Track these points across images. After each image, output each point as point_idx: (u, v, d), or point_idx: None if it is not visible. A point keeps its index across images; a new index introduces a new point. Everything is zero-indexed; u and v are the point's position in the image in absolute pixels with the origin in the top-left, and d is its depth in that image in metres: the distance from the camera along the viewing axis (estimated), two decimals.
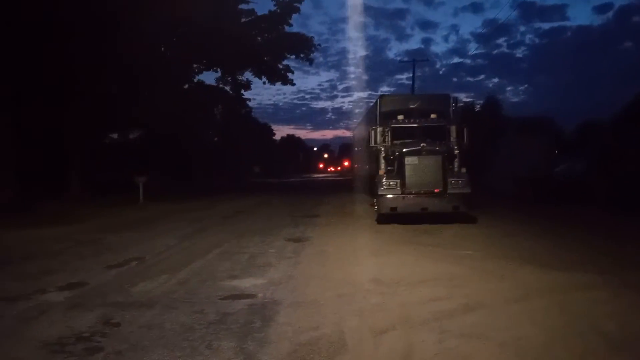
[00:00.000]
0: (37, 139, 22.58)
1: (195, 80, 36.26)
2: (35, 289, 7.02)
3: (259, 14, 31.57)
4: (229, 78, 36.52)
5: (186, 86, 35.19)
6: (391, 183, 13.78)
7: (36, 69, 19.84)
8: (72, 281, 7.53)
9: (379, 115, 16.71)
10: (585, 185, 21.85)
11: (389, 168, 14.73)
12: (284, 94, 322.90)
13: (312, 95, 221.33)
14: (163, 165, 34.83)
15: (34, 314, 5.92)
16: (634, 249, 10.19)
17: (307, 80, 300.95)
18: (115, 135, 35.28)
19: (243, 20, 31.14)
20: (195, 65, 33.83)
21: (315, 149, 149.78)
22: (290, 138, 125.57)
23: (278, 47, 32.56)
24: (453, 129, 15.02)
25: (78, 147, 23.61)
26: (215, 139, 57.78)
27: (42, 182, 21.92)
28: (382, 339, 4.90)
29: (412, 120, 15.45)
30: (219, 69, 34.80)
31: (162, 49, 29.68)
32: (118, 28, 21.19)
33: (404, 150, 14.02)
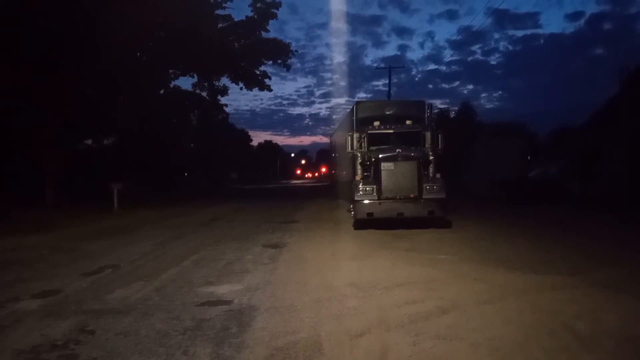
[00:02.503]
0: (11, 147, 22.22)
1: (172, 85, 36.04)
2: (9, 297, 6.93)
3: (235, 19, 31.60)
4: (206, 83, 36.37)
5: (162, 91, 34.94)
6: (367, 189, 13.88)
7: (7, 75, 19.54)
8: (47, 289, 7.44)
9: (355, 121, 16.83)
10: (559, 187, 22.32)
11: (365, 174, 14.85)
12: (261, 99, 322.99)
13: (290, 101, 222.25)
14: (139, 172, 34.52)
15: (8, 322, 5.84)
16: (606, 247, 10.51)
17: (285, 86, 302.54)
18: (89, 142, 34.84)
19: (220, 25, 31.11)
20: (171, 71, 33.63)
21: (292, 155, 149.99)
22: (268, 144, 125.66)
23: (255, 53, 32.56)
24: (428, 134, 15.19)
25: (52, 154, 23.27)
26: (192, 145, 57.44)
27: (16, 190, 21.58)
28: (358, 342, 4.95)
29: (388, 126, 15.60)
30: (195, 75, 34.63)
31: (138, 53, 29.46)
32: (93, 31, 21.00)
33: (380, 156, 14.14)
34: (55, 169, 23.35)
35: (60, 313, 6.14)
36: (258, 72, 33.98)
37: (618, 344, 4.76)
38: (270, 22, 31.66)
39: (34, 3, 19.17)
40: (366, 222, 13.91)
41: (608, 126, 23.80)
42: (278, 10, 30.89)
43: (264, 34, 32.26)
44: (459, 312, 5.85)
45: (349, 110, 20.35)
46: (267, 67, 35.90)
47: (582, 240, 11.67)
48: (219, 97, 38.61)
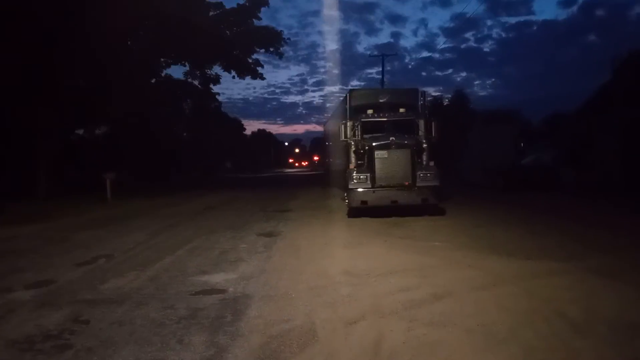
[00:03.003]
0: (3, 137, 22.05)
1: (163, 74, 35.79)
2: (2, 288, 6.90)
3: (227, 7, 31.36)
4: (198, 72, 36.11)
5: (154, 80, 34.69)
6: (361, 177, 13.88)
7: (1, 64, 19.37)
8: (40, 279, 7.42)
9: (348, 109, 16.78)
10: (553, 174, 22.40)
11: (359, 162, 14.84)
12: (254, 88, 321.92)
13: (283, 90, 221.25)
14: (132, 162, 34.39)
15: (2, 313, 5.82)
16: (600, 233, 10.55)
17: (277, 75, 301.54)
18: (81, 132, 34.61)
19: (211, 13, 30.82)
20: (162, 59, 33.36)
21: (286, 143, 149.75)
22: (261, 133, 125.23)
23: (247, 41, 32.32)
24: (422, 122, 15.18)
25: (45, 144, 23.12)
26: (185, 134, 57.24)
27: (9, 180, 21.46)
28: (353, 329, 4.97)
29: (381, 115, 15.56)
30: (187, 63, 34.39)
31: (129, 42, 29.20)
32: (84, 19, 20.78)
33: (374, 144, 14.12)
34: (47, 159, 23.21)
35: (54, 303, 6.13)
36: (250, 61, 33.77)
37: (612, 330, 4.79)
38: (263, 9, 31.47)
39: None
40: (360, 210, 13.92)
41: (601, 113, 23.85)
42: None
43: (256, 22, 32.04)
44: (453, 299, 5.88)
45: (342, 98, 20.29)
46: (260, 56, 35.86)
47: (577, 227, 11.73)
48: (211, 85, 38.41)
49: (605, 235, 10.28)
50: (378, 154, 13.91)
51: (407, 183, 13.70)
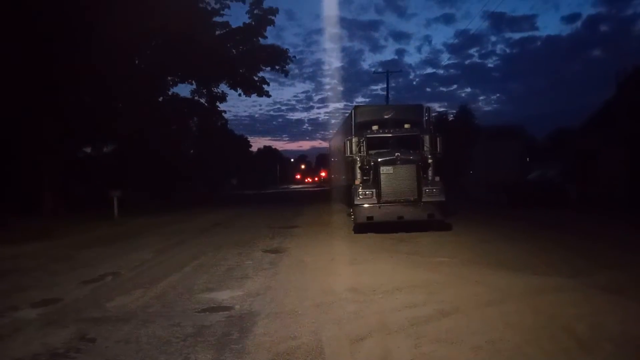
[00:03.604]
0: (8, 153, 22.19)
1: (170, 92, 36.07)
2: (8, 306, 6.91)
3: (233, 26, 31.65)
4: (204, 90, 36.35)
5: (161, 98, 34.95)
6: (367, 193, 13.88)
7: (6, 81, 19.56)
8: (47, 297, 7.43)
9: (354, 125, 16.83)
10: (558, 190, 22.33)
11: (364, 178, 14.84)
12: (260, 105, 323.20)
13: (288, 107, 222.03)
14: (138, 179, 34.50)
15: (8, 331, 5.83)
16: (606, 248, 10.49)
17: (283, 92, 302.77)
18: (88, 150, 34.83)
19: (217, 32, 31.13)
20: (169, 78, 33.64)
21: (292, 160, 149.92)
22: (267, 149, 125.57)
23: (253, 59, 32.57)
24: (427, 138, 15.20)
25: (52, 161, 23.25)
26: (192, 151, 57.44)
27: (15, 197, 21.55)
28: (359, 346, 4.94)
29: (386, 130, 15.60)
30: (193, 81, 34.66)
31: (136, 61, 29.49)
32: (91, 38, 21.02)
33: (379, 160, 14.15)
34: (54, 176, 23.32)
35: (60, 321, 6.13)
36: (256, 78, 33.98)
37: (618, 347, 4.75)
38: (268, 28, 31.70)
39: (30, 5, 19.18)
40: (366, 226, 13.91)
41: (606, 128, 23.84)
42: (275, 16, 30.95)
43: (261, 40, 32.27)
44: (459, 315, 5.85)
45: (347, 114, 20.37)
46: (265, 73, 35.92)
47: (583, 242, 11.68)
48: (217, 103, 38.64)
49: (611, 251, 10.22)
50: (384, 169, 13.92)
51: (412, 198, 13.68)
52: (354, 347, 4.94)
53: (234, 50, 32.27)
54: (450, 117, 50.01)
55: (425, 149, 15.01)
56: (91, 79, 23.20)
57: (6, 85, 19.75)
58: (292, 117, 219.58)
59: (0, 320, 6.32)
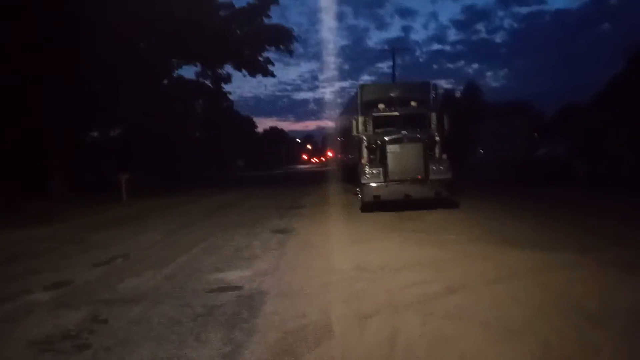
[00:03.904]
0: (18, 139, 22.28)
1: (175, 75, 36.01)
2: (21, 289, 7.00)
3: (237, 7, 31.45)
4: (209, 72, 36.37)
5: (166, 81, 34.91)
6: (374, 171, 13.89)
7: (13, 67, 19.57)
8: (58, 280, 7.51)
9: (360, 104, 16.78)
10: (566, 167, 22.20)
11: (371, 157, 14.85)
12: (265, 86, 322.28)
13: (294, 87, 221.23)
14: (146, 162, 34.60)
15: (21, 314, 5.91)
16: (614, 226, 10.44)
17: (288, 72, 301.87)
18: (95, 134, 34.92)
19: (221, 13, 30.96)
20: (174, 60, 33.57)
21: (298, 140, 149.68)
22: (273, 130, 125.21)
23: (257, 40, 32.44)
24: (433, 116, 15.16)
25: (60, 146, 23.35)
26: (197, 133, 57.49)
27: (25, 182, 21.70)
28: (368, 324, 4.98)
29: (393, 109, 15.56)
30: (198, 63, 34.58)
31: (141, 44, 29.39)
32: (96, 22, 20.93)
33: (386, 138, 14.13)
34: (61, 160, 23.43)
35: (72, 303, 6.21)
36: (261, 59, 33.91)
37: (628, 322, 4.76)
38: (272, 8, 31.56)
39: None
40: (373, 205, 13.93)
41: (614, 104, 23.58)
42: None
43: (265, 20, 32.15)
44: (467, 292, 5.87)
45: (353, 93, 20.29)
46: (270, 53, 35.78)
47: (591, 219, 11.64)
48: (222, 84, 38.65)
49: (619, 228, 10.16)
50: (390, 148, 13.90)
51: (419, 177, 13.68)
52: (363, 324, 4.98)
53: (238, 31, 32.13)
54: (458, 94, 49.65)
55: (432, 126, 14.97)
56: (95, 63, 23.14)
57: (9, 70, 19.75)
58: (297, 97, 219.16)
59: (14, 302, 6.42)
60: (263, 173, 61.70)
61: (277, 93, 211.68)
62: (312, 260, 8.18)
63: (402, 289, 6.12)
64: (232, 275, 7.32)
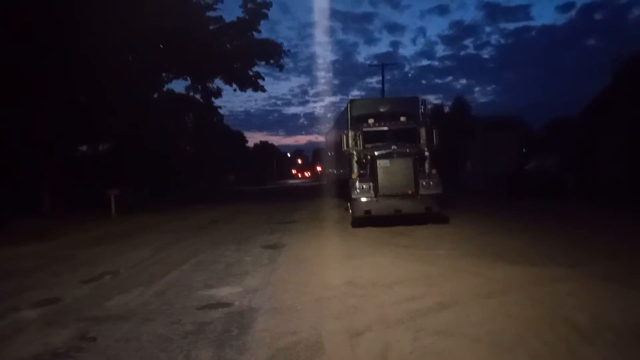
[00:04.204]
0: (6, 154, 22.11)
1: (165, 89, 35.97)
2: (9, 307, 6.91)
3: (227, 21, 31.58)
4: (199, 86, 36.30)
5: (156, 95, 34.85)
6: (364, 186, 13.91)
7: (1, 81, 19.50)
8: (47, 297, 7.43)
9: (350, 119, 16.84)
10: (556, 180, 22.37)
11: (361, 172, 14.87)
12: (255, 100, 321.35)
13: (284, 101, 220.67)
14: (136, 177, 34.41)
15: (9, 332, 5.83)
16: (605, 238, 10.53)
17: (278, 86, 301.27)
18: (84, 148, 34.71)
19: (211, 27, 31.06)
20: (164, 74, 33.56)
21: (289, 154, 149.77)
22: (264, 145, 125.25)
23: (247, 54, 32.55)
24: (423, 130, 15.22)
25: (48, 161, 23.18)
26: (187, 147, 57.35)
27: (14, 198, 21.49)
28: (359, 340, 4.97)
29: (382, 124, 15.62)
30: (188, 77, 34.57)
31: (130, 57, 29.39)
32: (84, 35, 20.90)
33: (376, 153, 14.17)
34: (52, 176, 23.24)
35: (61, 321, 6.14)
36: (251, 73, 33.97)
37: (618, 336, 4.78)
38: (262, 22, 31.71)
39: (18, 4, 19.08)
40: (364, 220, 13.94)
41: (603, 117, 23.84)
42: (269, 10, 30.97)
43: (255, 34, 32.29)
44: (458, 307, 5.88)
45: (343, 108, 20.37)
46: (260, 68, 35.88)
47: (581, 232, 11.71)
48: (212, 99, 38.62)
49: (610, 241, 10.25)
50: (380, 163, 13.94)
51: (410, 192, 13.71)
52: (354, 340, 4.96)
53: (228, 45, 32.22)
54: (447, 109, 49.93)
55: (422, 141, 15.03)
56: (84, 77, 23.07)
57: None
58: (287, 112, 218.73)
59: (2, 321, 6.33)
60: (254, 188, 61.59)
61: (268, 107, 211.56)
62: (303, 276, 8.16)
63: (394, 305, 6.11)
64: (223, 292, 7.28)
